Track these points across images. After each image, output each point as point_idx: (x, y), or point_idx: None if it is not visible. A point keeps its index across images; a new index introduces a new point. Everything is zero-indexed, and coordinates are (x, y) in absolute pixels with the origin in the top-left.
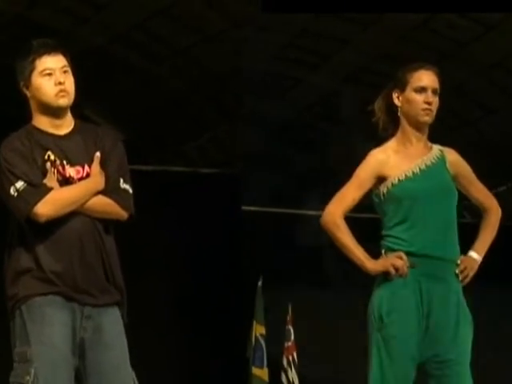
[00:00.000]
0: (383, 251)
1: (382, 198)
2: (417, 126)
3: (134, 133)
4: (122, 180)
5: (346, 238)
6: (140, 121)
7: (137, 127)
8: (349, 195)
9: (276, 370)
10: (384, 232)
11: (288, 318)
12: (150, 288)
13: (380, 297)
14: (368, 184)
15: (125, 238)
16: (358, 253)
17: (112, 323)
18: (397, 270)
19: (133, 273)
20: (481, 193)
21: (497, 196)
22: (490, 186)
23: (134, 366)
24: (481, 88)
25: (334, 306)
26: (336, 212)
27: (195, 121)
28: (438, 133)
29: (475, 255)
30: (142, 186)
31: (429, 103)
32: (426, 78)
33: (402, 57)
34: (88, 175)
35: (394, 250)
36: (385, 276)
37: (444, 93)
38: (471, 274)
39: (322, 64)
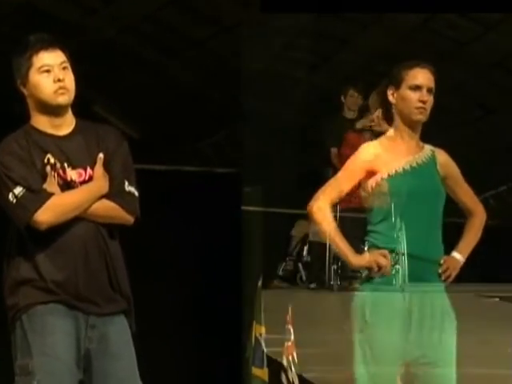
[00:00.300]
0: (367, 247)
1: (370, 192)
2: (410, 123)
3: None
4: (126, 182)
5: (331, 229)
6: (150, 114)
7: (146, 121)
8: (337, 186)
9: (276, 370)
10: (369, 227)
11: (288, 318)
12: (151, 289)
13: (363, 296)
14: (357, 177)
15: (134, 238)
16: (342, 245)
17: (118, 332)
18: (380, 268)
19: (140, 274)
20: (467, 196)
21: (497, 196)
22: (490, 186)
23: (139, 366)
24: (480, 88)
25: (334, 305)
26: (323, 201)
27: (199, 120)
28: (437, 132)
29: (458, 256)
30: (144, 186)
31: (423, 102)
32: (421, 76)
33: (402, 57)
34: (90, 178)
35: (377, 247)
36: (367, 274)
37: (443, 92)
38: (454, 274)
39: (322, 64)
